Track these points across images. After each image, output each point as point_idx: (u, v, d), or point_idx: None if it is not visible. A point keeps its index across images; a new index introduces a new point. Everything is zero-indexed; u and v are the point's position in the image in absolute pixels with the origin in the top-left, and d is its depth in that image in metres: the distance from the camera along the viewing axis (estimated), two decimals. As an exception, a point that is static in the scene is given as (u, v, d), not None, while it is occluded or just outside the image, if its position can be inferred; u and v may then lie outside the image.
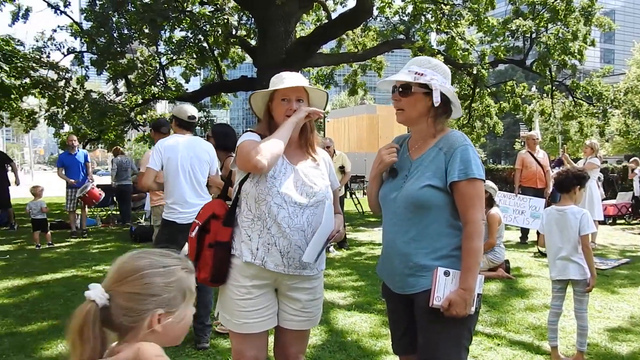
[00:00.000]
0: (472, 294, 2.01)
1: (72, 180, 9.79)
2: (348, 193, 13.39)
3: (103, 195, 10.10)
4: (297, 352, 2.46)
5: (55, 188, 10.98)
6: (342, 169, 8.50)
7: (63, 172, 9.93)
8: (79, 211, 10.33)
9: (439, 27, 13.94)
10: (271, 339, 2.50)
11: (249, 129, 2.48)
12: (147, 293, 1.25)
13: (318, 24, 15.43)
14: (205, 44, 15.41)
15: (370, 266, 7.01)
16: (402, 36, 15.19)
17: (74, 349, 1.21)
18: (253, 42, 14.54)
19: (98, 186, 10.49)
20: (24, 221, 11.46)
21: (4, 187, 10.95)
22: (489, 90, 16.64)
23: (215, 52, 15.77)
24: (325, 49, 15.64)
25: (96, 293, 1.24)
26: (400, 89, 2.18)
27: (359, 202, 14.14)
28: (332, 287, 5.84)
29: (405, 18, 15.10)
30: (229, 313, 2.32)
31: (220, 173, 4.43)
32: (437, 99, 2.10)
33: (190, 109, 4.40)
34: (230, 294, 2.30)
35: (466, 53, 14.05)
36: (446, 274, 2.03)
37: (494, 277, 6.23)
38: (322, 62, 14.23)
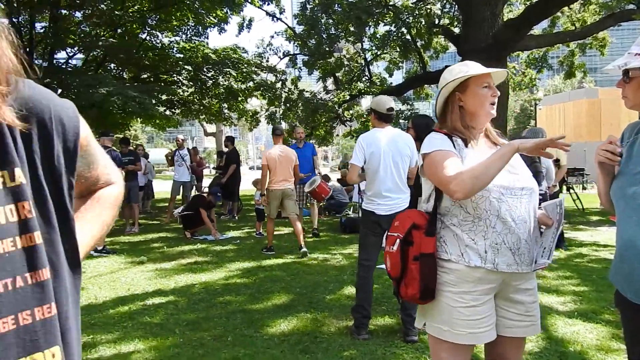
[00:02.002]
0: None
1: (301, 175, 8.88)
2: (564, 188, 12.19)
3: (332, 191, 9.09)
4: None
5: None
6: (556, 162, 7.69)
7: None
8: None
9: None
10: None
11: (434, 128, 2.25)
12: None
13: (528, 3, 14.30)
14: (408, 36, 15.43)
15: (595, 270, 6.26)
16: (632, 6, 13.23)
17: None
18: (456, 30, 14.10)
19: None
20: (250, 210, 12.86)
21: (236, 182, 12.28)
22: None
23: (418, 44, 15.69)
24: (537, 29, 14.42)
25: None
26: (623, 74, 1.87)
27: (577, 198, 12.77)
28: (549, 291, 5.34)
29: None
30: (448, 323, 2.10)
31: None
32: None
33: (388, 101, 4.35)
34: (449, 302, 2.10)
35: None
36: None
37: None
38: (534, 45, 13.12)
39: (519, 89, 18.89)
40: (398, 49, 16.29)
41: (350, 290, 5.40)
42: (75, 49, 14.76)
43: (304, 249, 7.43)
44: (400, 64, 18.17)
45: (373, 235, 4.20)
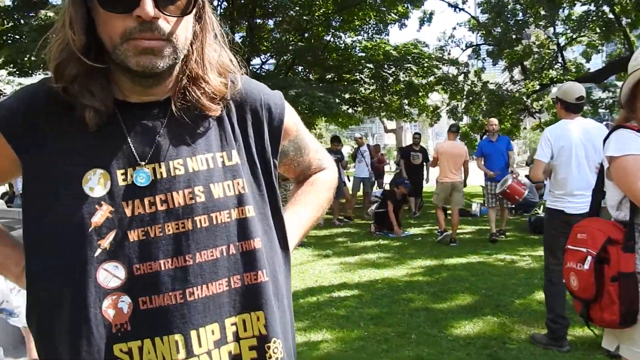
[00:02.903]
0: None
1: (492, 173, 8.17)
2: None
3: (526, 192, 7.47)
4: None
5: (478, 178, 11.59)
6: None
7: (482, 162, 8.43)
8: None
9: None
10: None
11: (620, 124, 1.93)
12: None
13: None
14: (611, 15, 13.75)
15: None
16: None
17: None
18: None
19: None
20: (431, 207, 12.68)
21: (419, 180, 12.11)
22: None
23: (623, 22, 13.89)
24: None
25: None
26: None
27: None
28: None
29: None
30: None
31: None
32: None
33: (578, 89, 3.88)
34: None
35: None
36: None
37: None
38: None
39: None
40: (598, 30, 14.62)
41: (542, 295, 4.99)
42: (268, 54, 16.02)
43: (447, 233, 8.17)
44: (599, 47, 16.29)
45: (563, 237, 3.83)
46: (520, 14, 14.58)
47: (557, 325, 3.77)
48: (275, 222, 1.03)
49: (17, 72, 15.12)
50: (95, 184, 0.89)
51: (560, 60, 15.46)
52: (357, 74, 16.11)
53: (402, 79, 15.86)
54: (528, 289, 5.33)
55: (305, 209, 1.20)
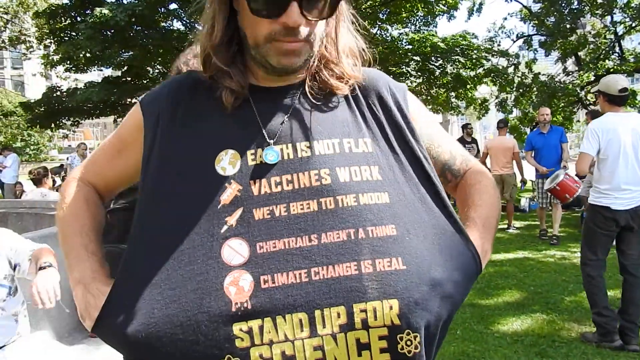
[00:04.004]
0: None
1: (544, 169, 7.36)
2: None
3: (580, 189, 6.35)
4: None
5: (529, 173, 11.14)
6: None
7: (532, 155, 7.73)
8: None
9: None
10: None
11: None
12: None
13: None
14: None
15: None
16: None
17: None
18: None
19: None
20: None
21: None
22: None
23: (688, 10, 13.18)
24: None
25: None
26: None
27: None
28: None
29: None
30: None
31: None
32: None
33: (620, 80, 3.78)
34: None
35: None
36: None
37: None
38: None
39: None
40: (659, 18, 13.91)
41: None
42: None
43: (513, 229, 8.50)
44: (661, 36, 15.53)
45: (604, 234, 3.75)
46: (576, 3, 14.03)
47: (603, 318, 3.68)
48: (441, 208, 0.99)
49: (73, 69, 15.71)
50: (227, 163, 0.94)
51: (617, 50, 14.80)
52: (404, 66, 15.95)
53: (449, 71, 15.59)
54: (579, 286, 5.15)
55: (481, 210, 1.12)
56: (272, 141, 0.96)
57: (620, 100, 3.78)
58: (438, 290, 0.91)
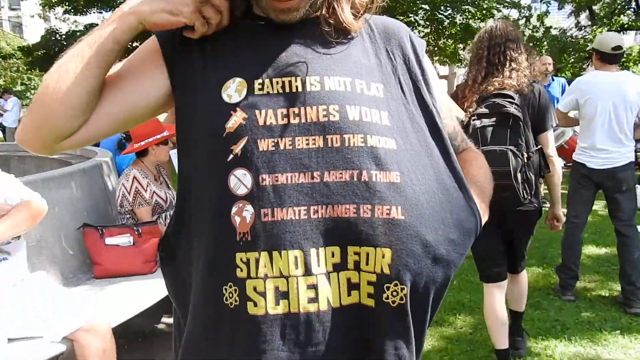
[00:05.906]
0: None
1: None
2: None
3: None
4: None
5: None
6: None
7: None
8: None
9: None
10: None
11: None
12: None
13: None
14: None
15: None
16: None
17: None
18: None
19: None
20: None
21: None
22: None
23: None
24: None
25: None
26: None
27: None
28: None
29: None
30: None
31: None
32: None
33: (615, 38, 3.69)
34: None
35: None
36: None
37: None
38: None
39: None
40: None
41: (590, 249, 4.95)
42: None
43: None
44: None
45: (583, 190, 3.78)
46: (592, -47, 13.57)
47: (563, 274, 3.85)
48: (446, 162, 0.98)
49: (72, 10, 15.38)
50: (233, 91, 0.92)
51: (633, 5, 14.38)
52: (412, 15, 15.55)
53: (458, 21, 15.22)
54: (577, 243, 5.22)
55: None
56: (280, 72, 0.94)
57: (613, 58, 3.68)
58: (431, 251, 0.90)
